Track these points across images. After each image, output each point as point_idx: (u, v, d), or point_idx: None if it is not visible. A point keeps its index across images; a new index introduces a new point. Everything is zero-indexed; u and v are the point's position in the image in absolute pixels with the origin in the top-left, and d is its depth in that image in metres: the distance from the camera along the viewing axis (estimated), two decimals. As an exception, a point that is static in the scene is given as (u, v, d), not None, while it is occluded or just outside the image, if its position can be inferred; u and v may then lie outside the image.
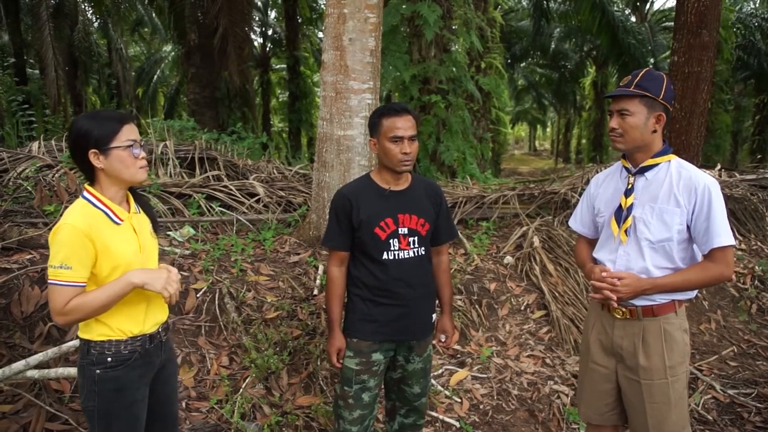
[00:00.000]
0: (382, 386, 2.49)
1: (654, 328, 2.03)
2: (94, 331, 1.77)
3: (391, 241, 2.23)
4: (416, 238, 2.28)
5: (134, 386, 1.81)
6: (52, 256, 1.67)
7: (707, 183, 1.94)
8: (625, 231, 2.06)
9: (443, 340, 2.48)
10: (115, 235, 1.76)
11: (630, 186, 2.07)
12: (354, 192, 2.27)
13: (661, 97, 1.97)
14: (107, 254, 1.72)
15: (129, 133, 1.76)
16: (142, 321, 1.83)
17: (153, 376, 1.91)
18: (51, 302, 1.68)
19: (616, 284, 1.98)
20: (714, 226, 1.91)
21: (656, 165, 2.03)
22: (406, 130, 2.16)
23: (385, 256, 2.23)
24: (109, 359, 1.76)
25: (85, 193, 1.78)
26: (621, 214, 2.08)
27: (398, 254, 2.24)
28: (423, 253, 2.31)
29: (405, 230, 2.25)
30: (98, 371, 1.76)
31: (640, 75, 2.00)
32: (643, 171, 2.05)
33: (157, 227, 2.00)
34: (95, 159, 1.73)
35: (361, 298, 2.28)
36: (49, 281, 1.67)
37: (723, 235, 1.91)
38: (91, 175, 1.78)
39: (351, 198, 2.24)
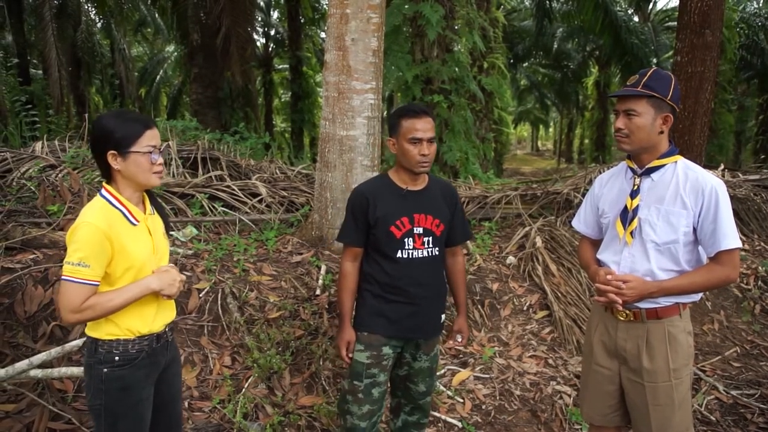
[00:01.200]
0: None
1: (658, 331, 2.02)
2: (103, 330, 1.77)
3: (405, 240, 2.26)
4: (431, 238, 2.30)
5: (140, 385, 1.82)
6: (70, 252, 1.66)
7: (714, 185, 1.91)
8: (631, 233, 2.04)
9: (459, 340, 2.51)
10: (132, 236, 1.77)
11: (636, 187, 2.04)
12: (371, 190, 2.30)
13: (668, 97, 1.93)
14: (123, 254, 1.73)
15: (150, 138, 1.76)
16: (151, 321, 1.84)
17: (158, 376, 1.91)
18: (64, 299, 1.66)
19: (622, 287, 1.97)
20: (721, 228, 1.88)
21: (662, 166, 2.00)
22: (425, 132, 2.20)
23: (399, 254, 2.26)
24: (117, 358, 1.77)
25: (104, 192, 1.78)
26: (627, 216, 2.05)
27: (412, 253, 2.27)
28: (437, 253, 2.33)
29: (420, 230, 2.28)
30: (105, 370, 1.76)
31: (648, 74, 1.96)
32: (649, 172, 2.02)
33: (169, 228, 2.01)
34: (113, 160, 1.73)
35: (372, 294, 2.31)
36: (64, 278, 1.66)
37: (730, 237, 1.88)
38: (107, 173, 1.79)
39: (368, 196, 2.27)
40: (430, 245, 2.30)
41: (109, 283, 1.75)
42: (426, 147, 2.20)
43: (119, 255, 1.72)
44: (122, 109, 1.98)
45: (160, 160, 1.80)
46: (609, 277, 2.01)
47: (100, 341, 1.77)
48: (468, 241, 4.65)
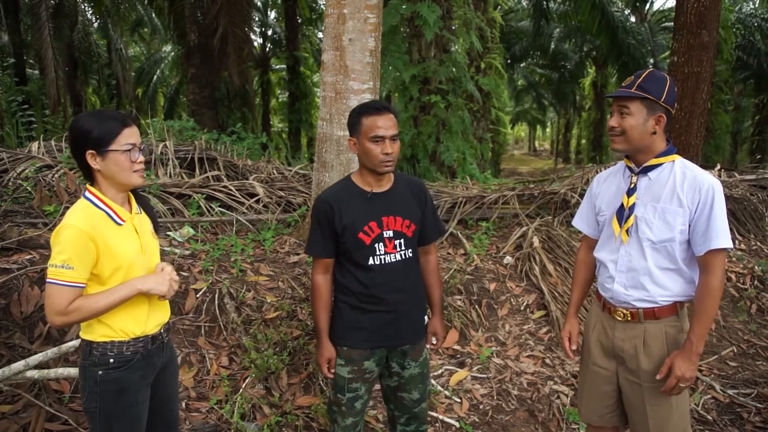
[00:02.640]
0: (380, 392, 2.46)
1: (656, 331, 2.02)
2: (97, 332, 1.76)
3: (376, 245, 2.15)
4: (402, 241, 2.20)
5: (136, 387, 1.81)
6: (54, 255, 1.66)
7: (712, 183, 1.92)
8: (627, 231, 2.04)
9: (434, 342, 2.42)
10: (117, 236, 1.75)
11: (633, 185, 2.05)
12: (335, 196, 2.17)
13: (662, 99, 1.93)
14: (109, 255, 1.71)
15: (129, 136, 1.73)
16: (144, 322, 1.82)
17: (155, 377, 1.91)
18: (50, 302, 1.65)
19: (678, 375, 1.92)
20: (714, 227, 1.89)
21: (660, 165, 2.01)
22: (387, 129, 2.07)
23: (371, 261, 2.15)
24: (112, 360, 1.76)
25: (87, 194, 1.76)
26: (623, 214, 2.06)
27: (384, 258, 2.16)
28: (410, 255, 2.23)
29: (390, 233, 2.17)
30: (100, 372, 1.75)
31: (643, 76, 1.96)
32: (646, 171, 2.03)
33: (157, 228, 1.99)
34: (92, 160, 1.71)
35: (350, 305, 2.20)
36: (48, 281, 1.65)
37: (722, 237, 1.88)
38: (89, 174, 1.77)
39: (332, 203, 2.14)
40: (402, 248, 2.19)
41: (100, 284, 1.74)
42: (389, 145, 2.07)
43: (105, 256, 1.71)
44: (100, 108, 1.93)
45: (141, 158, 1.77)
46: (658, 377, 1.98)
47: (94, 344, 1.76)
48: (465, 241, 4.66)
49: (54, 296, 1.64)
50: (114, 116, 1.75)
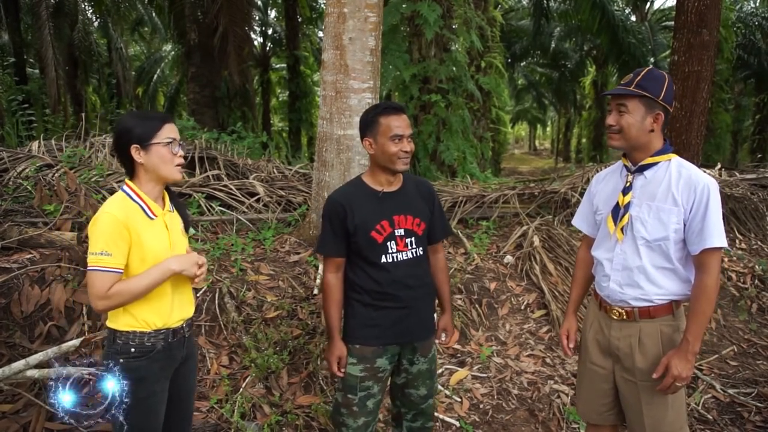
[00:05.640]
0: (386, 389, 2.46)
1: (651, 330, 2.03)
2: (121, 321, 1.83)
3: (388, 243, 2.20)
4: (413, 239, 2.25)
5: (155, 378, 1.87)
6: (92, 244, 1.75)
7: (707, 182, 1.92)
8: (622, 229, 2.05)
9: (444, 338, 2.47)
10: (148, 230, 1.83)
11: (628, 184, 2.06)
12: (346, 197, 2.22)
13: (660, 98, 1.94)
14: (139, 246, 1.80)
15: (169, 131, 1.85)
16: (167, 314, 1.89)
17: (174, 371, 1.96)
18: (92, 288, 1.74)
19: (675, 375, 1.91)
20: (709, 226, 1.89)
21: (656, 164, 2.02)
22: (405, 129, 2.16)
23: (383, 259, 2.19)
24: (133, 350, 1.83)
25: (125, 187, 1.87)
26: (618, 212, 2.07)
27: (396, 256, 2.21)
28: (421, 253, 2.28)
29: (401, 231, 2.22)
30: (122, 360, 1.82)
31: (641, 74, 1.97)
32: (642, 169, 2.03)
33: (188, 227, 2.07)
34: (136, 153, 1.82)
35: (362, 303, 2.23)
36: (90, 268, 1.73)
37: (716, 236, 1.88)
38: (131, 170, 1.87)
39: (344, 203, 2.19)
40: (414, 246, 2.24)
41: (126, 275, 1.81)
42: (407, 143, 2.15)
43: (135, 246, 1.79)
44: (141, 110, 2.12)
45: (181, 152, 1.89)
46: (655, 376, 1.97)
47: (118, 332, 1.84)
48: (466, 241, 4.65)
49: (96, 282, 1.73)
50: (154, 115, 1.90)
